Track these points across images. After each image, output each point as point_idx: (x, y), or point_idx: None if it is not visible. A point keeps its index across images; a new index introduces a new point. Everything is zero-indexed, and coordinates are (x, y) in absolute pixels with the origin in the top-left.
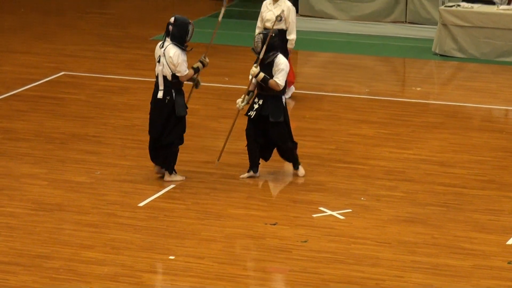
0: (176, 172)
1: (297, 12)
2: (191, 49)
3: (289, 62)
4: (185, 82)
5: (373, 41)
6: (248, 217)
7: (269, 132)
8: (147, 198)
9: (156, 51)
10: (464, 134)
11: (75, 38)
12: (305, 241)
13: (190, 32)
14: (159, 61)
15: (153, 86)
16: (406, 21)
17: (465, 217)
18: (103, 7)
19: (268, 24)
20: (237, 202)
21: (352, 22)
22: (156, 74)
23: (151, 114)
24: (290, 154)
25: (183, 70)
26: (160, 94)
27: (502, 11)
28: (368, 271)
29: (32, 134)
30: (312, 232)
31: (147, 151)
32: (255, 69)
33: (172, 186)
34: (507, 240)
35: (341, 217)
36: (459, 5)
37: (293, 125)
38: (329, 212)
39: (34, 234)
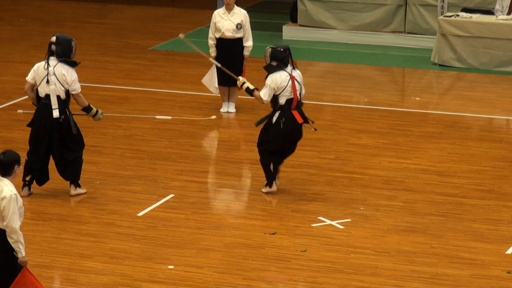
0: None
1: (296, 22)
2: (79, 63)
3: (244, 69)
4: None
5: (372, 51)
6: (247, 227)
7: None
8: (146, 208)
9: (38, 70)
10: (463, 144)
11: None
12: (304, 251)
13: (73, 48)
14: (47, 82)
15: (152, 96)
16: (405, 31)
17: (464, 226)
18: (102, 17)
19: (229, 34)
20: (236, 211)
21: (351, 32)
22: (43, 95)
23: (41, 133)
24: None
25: (78, 87)
26: (56, 113)
27: (501, 21)
28: (367, 281)
29: None
30: (311, 242)
31: (146, 160)
32: (240, 79)
33: (171, 196)
34: (506, 250)
35: (340, 227)
36: (458, 15)
37: None
38: (328, 222)
39: (34, 244)
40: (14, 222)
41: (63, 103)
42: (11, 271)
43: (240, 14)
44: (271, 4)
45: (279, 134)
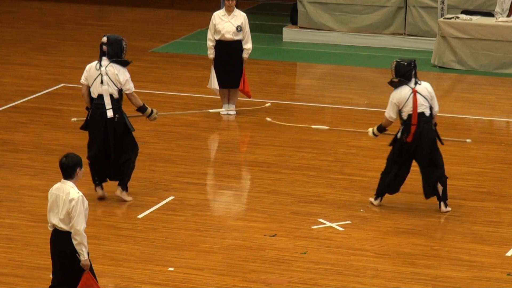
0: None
1: (296, 24)
2: (131, 61)
3: (244, 71)
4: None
5: (372, 53)
6: (247, 229)
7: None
8: (147, 210)
9: (90, 71)
10: (463, 146)
11: (75, 50)
12: (304, 253)
13: (124, 48)
14: (101, 82)
15: (152, 98)
16: (405, 33)
17: (464, 228)
18: (102, 19)
19: (229, 36)
20: (236, 213)
21: (351, 34)
22: (96, 95)
23: (96, 134)
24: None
25: (131, 86)
26: (110, 113)
27: (501, 23)
28: (368, 283)
29: (31, 146)
30: (311, 244)
31: (146, 162)
32: (369, 130)
33: (171, 198)
34: (506, 252)
35: (340, 229)
36: (458, 17)
37: (291, 136)
38: (328, 224)
39: (33, 246)
40: (79, 224)
41: (117, 103)
42: (73, 273)
43: (240, 16)
44: (271, 6)
45: (402, 149)
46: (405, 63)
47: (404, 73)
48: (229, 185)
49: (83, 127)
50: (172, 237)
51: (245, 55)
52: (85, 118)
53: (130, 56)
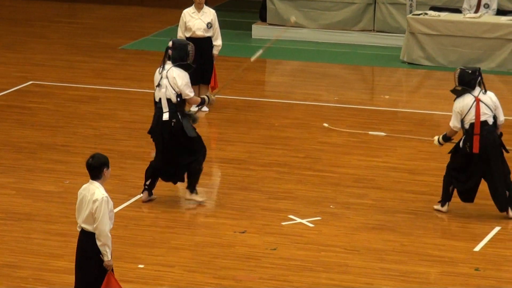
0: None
1: (265, 20)
2: (194, 66)
3: (214, 68)
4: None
5: (342, 50)
6: (217, 225)
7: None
8: (117, 207)
9: (155, 76)
10: (432, 142)
11: (44, 47)
12: (275, 249)
13: (190, 52)
14: (159, 85)
15: (122, 95)
16: (374, 30)
17: (433, 224)
18: (72, 16)
19: (200, 33)
20: (207, 210)
21: (321, 31)
22: (158, 99)
23: (155, 137)
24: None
25: (189, 91)
26: (165, 116)
27: (468, 19)
28: (338, 279)
29: (0, 143)
30: (282, 240)
31: (116, 160)
32: (435, 139)
33: (141, 195)
34: (474, 247)
35: (311, 225)
36: (426, 14)
37: (261, 133)
38: (299, 220)
39: (2, 244)
40: (104, 225)
41: (174, 107)
42: (97, 274)
43: (209, 13)
44: (240, 3)
45: (465, 158)
46: (470, 71)
47: (468, 81)
48: (200, 181)
49: (148, 131)
50: (143, 234)
51: (215, 51)
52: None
53: (99, 53)
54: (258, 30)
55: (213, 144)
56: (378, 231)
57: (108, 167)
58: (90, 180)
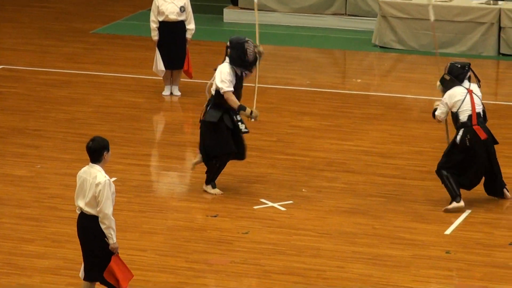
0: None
1: (237, 5)
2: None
3: (187, 52)
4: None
5: (314, 33)
6: (189, 210)
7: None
8: None
9: None
10: (404, 126)
11: (15, 31)
12: (246, 233)
13: (247, 50)
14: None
15: (94, 79)
16: (346, 13)
17: (405, 207)
18: (44, 1)
19: (173, 17)
20: (179, 194)
21: (293, 15)
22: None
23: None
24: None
25: (223, 86)
26: (205, 109)
27: (439, 3)
28: (309, 262)
29: None
30: (253, 224)
31: None
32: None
33: (114, 179)
34: (445, 230)
35: (282, 209)
36: None
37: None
38: (270, 204)
39: None
40: (107, 208)
41: (212, 99)
42: (102, 256)
43: None
44: None
45: (467, 152)
46: (459, 66)
47: (457, 75)
48: (172, 166)
49: None
50: (115, 218)
51: (188, 35)
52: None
53: (71, 37)
54: (230, 14)
55: (186, 128)
56: (349, 215)
57: (108, 150)
58: (90, 163)
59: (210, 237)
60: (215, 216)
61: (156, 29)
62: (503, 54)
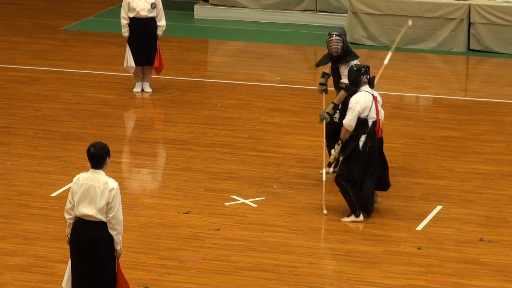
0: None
1: (207, 1)
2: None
3: (158, 48)
4: None
5: (284, 30)
6: (161, 206)
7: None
8: (60, 189)
9: None
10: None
11: None
12: (218, 229)
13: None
14: None
15: (65, 76)
16: (316, 10)
17: (376, 203)
18: None
19: (144, 13)
20: (151, 191)
21: (263, 11)
22: None
23: None
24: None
25: None
26: None
27: None
28: (281, 258)
29: None
30: (225, 220)
31: (59, 141)
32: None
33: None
34: (416, 226)
35: (254, 205)
36: None
37: (204, 114)
38: (242, 200)
39: None
40: (120, 214)
41: None
42: (111, 263)
43: None
44: None
45: (365, 159)
46: (355, 69)
47: (354, 78)
48: (143, 162)
49: None
50: None
51: (159, 32)
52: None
53: (40, 34)
54: (200, 11)
55: (157, 125)
56: (321, 211)
57: (109, 156)
58: (92, 170)
59: (182, 234)
60: (187, 213)
61: (127, 25)
62: (473, 50)
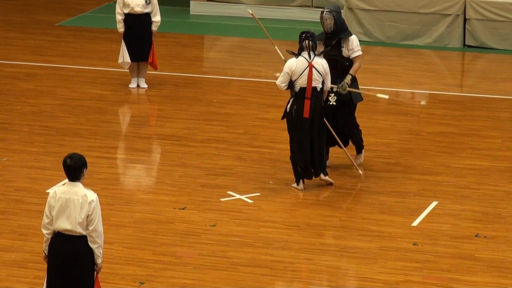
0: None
1: None
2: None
3: (152, 44)
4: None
5: (280, 26)
6: (157, 202)
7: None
8: (55, 184)
9: None
10: (371, 117)
11: None
12: (214, 225)
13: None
14: None
15: (61, 72)
16: (312, 5)
17: (372, 199)
18: None
19: (139, 9)
20: (146, 187)
21: (259, 7)
22: None
23: None
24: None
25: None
26: None
27: None
28: (277, 254)
29: None
30: (221, 216)
31: (55, 137)
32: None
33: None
34: (412, 222)
35: (250, 201)
36: None
37: (200, 109)
38: (238, 196)
39: None
40: (101, 226)
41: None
42: (90, 279)
43: None
44: None
45: (293, 123)
46: (301, 33)
47: (298, 43)
48: (139, 158)
49: None
50: None
51: (154, 27)
52: None
53: (36, 30)
54: (196, 6)
55: (152, 121)
56: (316, 207)
57: (86, 167)
58: (69, 182)
59: (178, 229)
60: (182, 209)
61: (122, 21)
62: (468, 46)
